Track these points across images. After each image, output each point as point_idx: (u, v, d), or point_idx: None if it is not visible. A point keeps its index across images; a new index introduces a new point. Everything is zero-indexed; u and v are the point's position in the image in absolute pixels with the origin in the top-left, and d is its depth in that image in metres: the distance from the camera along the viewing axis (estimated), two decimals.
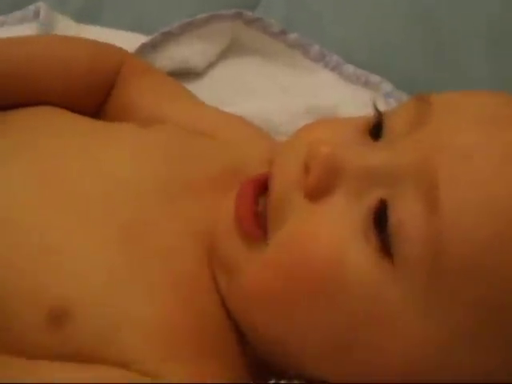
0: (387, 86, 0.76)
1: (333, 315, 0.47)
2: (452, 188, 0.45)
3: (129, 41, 0.81)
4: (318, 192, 0.49)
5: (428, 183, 0.46)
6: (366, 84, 0.79)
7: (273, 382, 0.48)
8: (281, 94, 0.82)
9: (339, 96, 0.79)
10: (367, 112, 0.73)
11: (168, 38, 0.82)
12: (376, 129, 0.52)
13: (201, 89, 0.82)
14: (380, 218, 0.47)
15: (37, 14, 0.84)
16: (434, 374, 0.47)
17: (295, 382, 0.49)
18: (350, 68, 0.81)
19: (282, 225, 0.49)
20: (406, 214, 0.46)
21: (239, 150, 0.62)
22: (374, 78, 0.78)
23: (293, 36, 0.84)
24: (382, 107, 0.73)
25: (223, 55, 0.86)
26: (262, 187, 0.53)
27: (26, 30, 0.81)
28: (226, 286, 0.52)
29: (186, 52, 0.83)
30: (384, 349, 0.47)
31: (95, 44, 0.69)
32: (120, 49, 0.71)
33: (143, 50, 0.80)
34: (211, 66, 0.85)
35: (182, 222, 0.55)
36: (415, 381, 0.47)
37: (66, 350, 0.48)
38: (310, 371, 0.50)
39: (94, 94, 0.68)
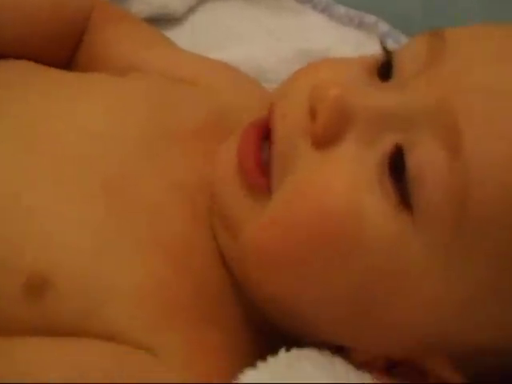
0: (384, 26, 0.70)
1: (349, 274, 0.44)
2: (476, 130, 0.42)
3: None
4: (326, 139, 0.45)
5: (447, 126, 0.42)
6: (360, 25, 0.73)
7: (283, 350, 0.44)
8: (267, 38, 0.76)
9: (330, 38, 0.74)
10: (363, 53, 0.68)
11: None
12: (385, 68, 0.48)
13: (182, 35, 0.77)
14: (396, 165, 0.43)
15: None
16: (458, 331, 0.44)
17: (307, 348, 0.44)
18: (341, 9, 0.76)
19: (287, 175, 0.45)
20: (426, 160, 0.42)
21: (224, 96, 0.58)
22: (369, 19, 0.72)
23: None
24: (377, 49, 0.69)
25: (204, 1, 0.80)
26: (266, 132, 0.48)
27: None
28: (226, 243, 0.48)
29: None
30: (405, 308, 0.43)
31: None
32: None
33: None
34: (191, 10, 0.79)
35: (168, 176, 0.51)
36: (439, 341, 0.44)
37: (47, 323, 0.44)
38: (326, 336, 0.46)
39: (62, 42, 0.62)
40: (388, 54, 0.48)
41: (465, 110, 0.42)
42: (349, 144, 0.44)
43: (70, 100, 0.53)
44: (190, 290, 0.47)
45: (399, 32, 0.70)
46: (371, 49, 0.71)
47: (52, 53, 0.61)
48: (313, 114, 0.45)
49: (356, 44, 0.72)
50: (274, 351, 0.44)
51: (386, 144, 0.44)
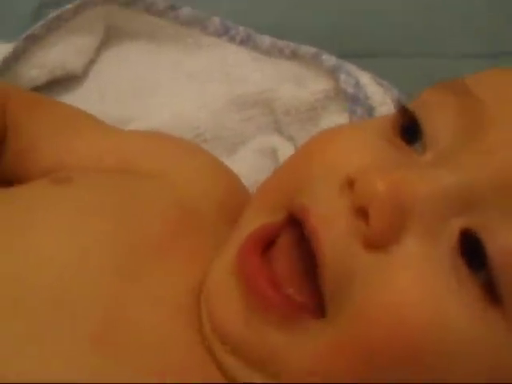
0: (329, 59, 0.61)
1: None
2: None
3: None
4: (385, 240, 0.38)
5: None
6: (293, 57, 0.64)
7: None
8: (189, 85, 0.67)
9: (264, 76, 0.65)
10: (308, 90, 0.61)
11: (33, 42, 0.64)
12: (410, 133, 0.42)
13: (89, 96, 0.66)
14: (469, 254, 0.37)
15: None
16: None
17: None
18: (265, 40, 0.66)
19: (345, 291, 0.38)
20: (507, 243, 0.37)
21: (183, 184, 0.50)
22: (306, 50, 0.63)
23: (185, 11, 0.68)
24: (327, 85, 0.61)
25: (103, 48, 0.69)
26: (265, 245, 0.41)
27: None
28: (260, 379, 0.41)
29: (59, 55, 0.66)
30: None
31: None
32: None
33: (7, 64, 0.62)
34: (92, 62, 0.69)
35: (153, 302, 0.43)
36: None
37: None
38: None
39: None
40: (409, 114, 0.42)
41: None
42: (411, 241, 0.38)
43: (18, 230, 0.44)
44: None
45: (345, 62, 0.61)
46: (314, 83, 0.63)
47: None
48: (362, 213, 0.38)
49: (295, 79, 0.63)
50: None
51: (453, 232, 0.38)
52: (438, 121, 0.41)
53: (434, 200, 0.38)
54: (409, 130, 0.42)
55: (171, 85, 0.66)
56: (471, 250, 0.38)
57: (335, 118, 0.61)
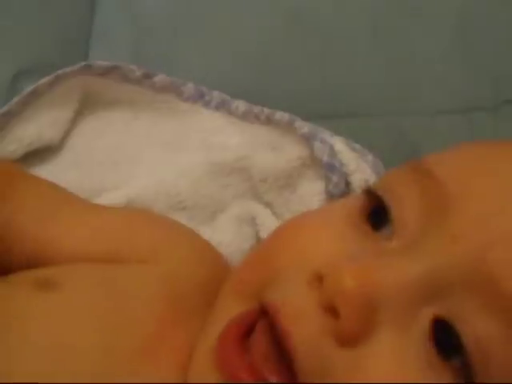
0: (302, 126, 0.61)
1: None
2: None
3: None
4: (357, 337, 0.38)
5: (491, 290, 0.37)
6: (268, 122, 0.65)
7: None
8: (164, 154, 0.67)
9: (240, 142, 0.65)
10: (289, 159, 0.62)
11: (10, 118, 0.64)
12: (377, 218, 0.42)
13: (64, 166, 0.67)
14: (441, 342, 0.38)
15: None
16: None
17: None
18: (240, 105, 0.67)
19: None
20: (480, 332, 0.37)
21: (172, 273, 0.50)
22: (281, 116, 0.63)
23: (159, 78, 0.68)
24: (303, 152, 0.62)
25: (79, 118, 0.69)
26: (244, 332, 0.42)
27: None
28: None
29: (36, 128, 0.66)
30: None
31: None
32: None
33: None
34: (67, 134, 0.69)
35: None
36: None
37: None
38: None
39: None
40: (376, 199, 0.43)
41: (504, 266, 0.37)
42: (382, 334, 0.38)
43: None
44: None
45: (318, 128, 0.62)
46: (290, 150, 0.64)
47: None
48: (331, 311, 0.38)
49: (271, 146, 0.64)
50: None
51: (425, 321, 0.38)
52: (405, 204, 0.41)
53: (402, 291, 0.38)
54: (376, 213, 0.42)
55: (149, 153, 0.67)
56: (444, 337, 0.38)
57: (312, 185, 0.62)
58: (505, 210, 0.39)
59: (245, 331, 0.42)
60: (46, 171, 0.66)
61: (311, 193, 0.62)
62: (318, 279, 0.40)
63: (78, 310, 0.45)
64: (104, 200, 0.62)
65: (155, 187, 0.63)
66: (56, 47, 0.73)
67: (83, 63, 0.67)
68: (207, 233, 0.61)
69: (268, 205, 0.63)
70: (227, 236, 0.62)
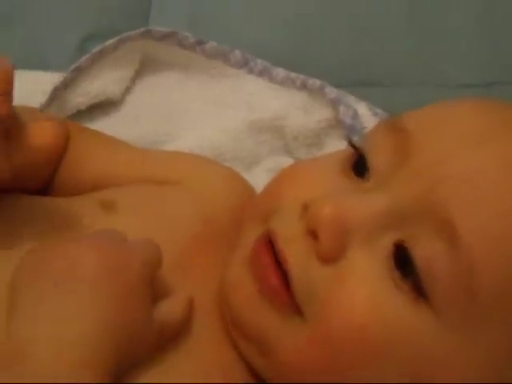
0: (331, 92, 0.70)
1: (386, 369, 0.47)
2: (467, 219, 0.45)
3: (39, 83, 0.74)
4: (333, 255, 0.47)
5: (440, 217, 0.45)
6: (303, 87, 0.73)
7: None
8: (211, 110, 0.76)
9: (277, 105, 0.74)
10: (318, 120, 0.69)
11: (79, 73, 0.74)
12: (359, 166, 0.51)
13: (125, 118, 0.76)
14: (401, 261, 0.46)
15: None
16: None
17: None
18: (280, 72, 0.76)
19: (312, 298, 0.48)
20: (430, 252, 0.45)
21: (206, 197, 0.59)
22: (313, 82, 0.72)
23: (210, 45, 0.77)
24: (330, 114, 0.70)
25: (139, 77, 0.79)
26: (272, 248, 0.50)
27: None
28: (260, 360, 0.51)
29: (100, 83, 0.76)
30: None
31: None
32: None
33: (56, 92, 0.73)
34: (128, 90, 0.78)
35: None
36: None
37: None
38: None
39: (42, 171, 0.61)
40: (359, 152, 0.51)
41: (451, 199, 0.45)
42: (354, 253, 0.47)
43: None
44: None
45: (346, 93, 0.70)
46: (319, 112, 0.72)
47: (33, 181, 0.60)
48: (313, 234, 0.47)
49: (303, 108, 0.72)
50: None
51: (388, 244, 0.47)
52: (380, 154, 0.50)
53: (370, 218, 0.47)
54: (359, 162, 0.51)
55: (198, 110, 0.76)
56: (404, 258, 0.46)
57: (336, 143, 0.71)
58: (458, 153, 0.47)
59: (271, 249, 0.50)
60: (108, 123, 0.75)
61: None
62: (306, 210, 0.49)
63: (132, 228, 0.54)
64: None
65: (201, 141, 0.72)
66: (119, 15, 0.83)
67: (144, 28, 0.76)
68: None
69: (298, 159, 0.72)
70: (260, 185, 0.70)
